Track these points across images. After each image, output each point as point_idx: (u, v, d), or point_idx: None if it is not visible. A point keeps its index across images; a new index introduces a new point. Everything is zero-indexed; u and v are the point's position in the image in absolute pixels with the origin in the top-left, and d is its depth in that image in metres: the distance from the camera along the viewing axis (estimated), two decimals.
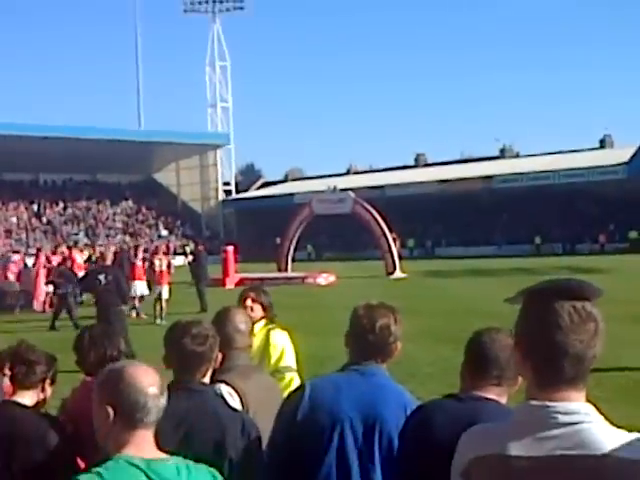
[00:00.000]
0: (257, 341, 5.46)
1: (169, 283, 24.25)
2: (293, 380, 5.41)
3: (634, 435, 2.12)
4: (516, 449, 2.14)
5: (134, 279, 24.00)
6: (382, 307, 3.84)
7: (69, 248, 29.72)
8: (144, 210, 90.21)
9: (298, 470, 3.62)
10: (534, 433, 2.13)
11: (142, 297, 24.28)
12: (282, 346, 5.64)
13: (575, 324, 2.13)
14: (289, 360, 5.64)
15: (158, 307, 23.20)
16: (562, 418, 2.10)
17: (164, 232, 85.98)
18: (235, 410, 3.70)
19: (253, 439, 3.52)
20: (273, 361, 5.53)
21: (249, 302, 5.74)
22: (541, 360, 2.16)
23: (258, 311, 5.72)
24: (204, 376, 3.72)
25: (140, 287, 24.32)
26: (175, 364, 3.71)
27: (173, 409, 3.54)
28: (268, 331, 5.68)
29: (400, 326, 3.79)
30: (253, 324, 5.49)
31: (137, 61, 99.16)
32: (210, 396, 3.64)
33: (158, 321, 22.24)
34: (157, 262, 24.44)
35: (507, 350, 3.00)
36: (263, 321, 5.75)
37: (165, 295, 23.53)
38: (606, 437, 2.07)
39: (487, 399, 3.10)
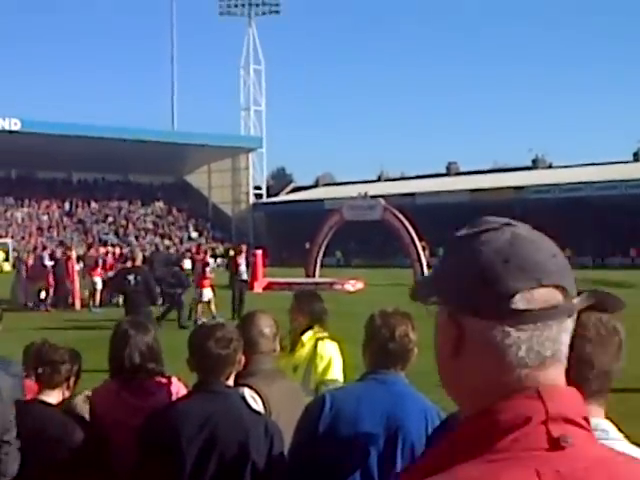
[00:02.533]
0: (305, 351, 5.46)
1: (211, 285, 24.13)
2: None
3: None
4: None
5: (202, 287, 23.74)
6: (398, 314, 3.84)
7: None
8: (175, 212, 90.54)
9: (319, 479, 3.60)
10: None
11: (209, 302, 23.89)
12: (329, 357, 5.50)
13: (602, 337, 2.11)
14: (336, 372, 5.49)
15: (200, 309, 23.28)
16: (597, 434, 2.05)
17: (194, 234, 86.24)
18: (258, 413, 3.70)
19: (276, 443, 3.52)
20: (319, 372, 5.41)
21: (294, 312, 5.70)
22: (567, 373, 2.12)
23: (303, 320, 5.64)
24: (228, 379, 3.73)
25: (207, 293, 23.92)
26: (199, 367, 3.73)
27: (198, 411, 3.57)
28: (317, 341, 5.55)
29: (416, 332, 3.78)
30: (302, 333, 5.50)
31: (172, 62, 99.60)
32: (234, 399, 3.66)
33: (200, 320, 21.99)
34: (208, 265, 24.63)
35: None
36: (313, 330, 5.63)
37: (206, 298, 23.60)
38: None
39: None
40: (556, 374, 1.43)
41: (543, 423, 1.30)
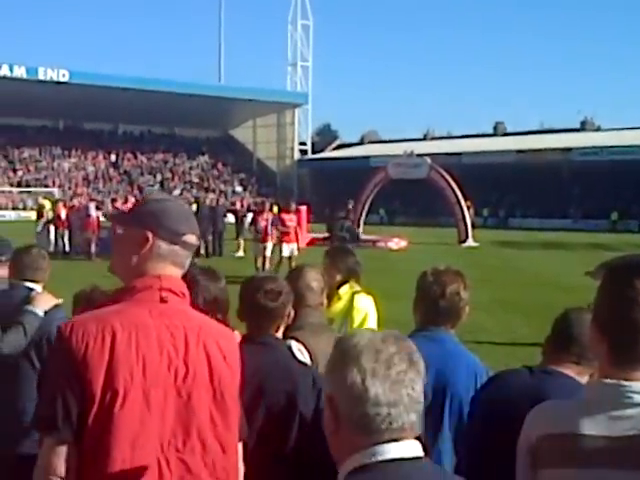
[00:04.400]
0: (341, 304, 5.47)
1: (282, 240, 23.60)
2: None
3: None
4: (589, 428, 2.11)
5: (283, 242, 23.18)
6: (450, 272, 3.85)
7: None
8: (220, 166, 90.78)
9: None
10: (608, 412, 2.09)
11: (290, 257, 22.89)
12: (365, 311, 5.55)
13: None
14: (372, 325, 5.53)
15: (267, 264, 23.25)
16: (637, 398, 2.06)
17: (238, 188, 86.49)
18: (306, 365, 3.72)
19: (323, 394, 3.53)
20: (356, 325, 5.43)
21: (327, 266, 5.69)
22: (617, 337, 2.12)
23: (336, 275, 5.64)
24: (277, 331, 3.75)
25: (289, 248, 23.23)
26: (248, 318, 3.76)
27: (247, 361, 3.60)
28: (353, 295, 5.59)
29: (468, 291, 3.80)
30: (339, 287, 5.52)
31: (220, 16, 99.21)
32: (282, 351, 3.68)
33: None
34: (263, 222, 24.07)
35: None
36: (349, 284, 5.67)
37: (268, 253, 23.46)
38: None
39: (562, 374, 3.07)
40: (173, 270, 2.66)
41: (158, 290, 2.58)
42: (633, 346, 2.10)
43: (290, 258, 22.53)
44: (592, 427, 2.10)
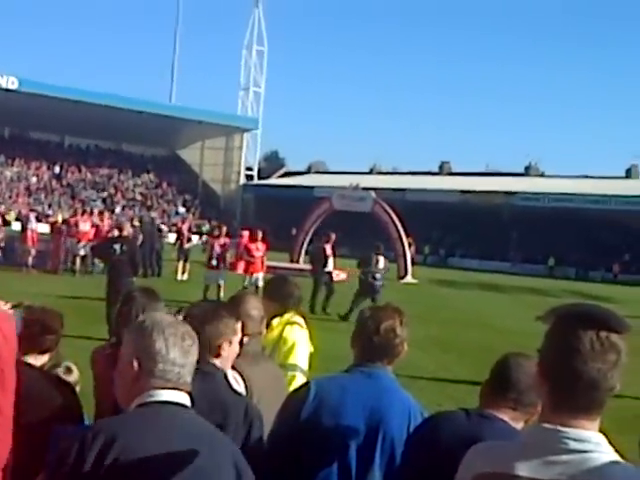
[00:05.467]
0: (273, 334, 5.41)
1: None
2: (295, 378, 5.20)
3: None
4: (523, 470, 2.13)
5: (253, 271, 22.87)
6: (388, 308, 3.85)
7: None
8: (164, 185, 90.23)
9: (297, 468, 3.60)
10: (543, 456, 2.12)
11: (256, 287, 21.72)
12: (293, 342, 5.44)
13: (595, 352, 2.13)
14: (299, 358, 5.43)
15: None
16: (572, 445, 2.09)
17: (182, 209, 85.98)
18: (240, 395, 3.68)
19: (255, 427, 3.48)
20: (281, 356, 5.36)
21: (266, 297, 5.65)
22: (556, 384, 2.16)
23: (273, 306, 5.54)
24: (216, 357, 3.70)
25: (255, 278, 22.71)
26: None
27: None
28: (285, 325, 5.53)
29: (406, 328, 3.78)
30: (274, 317, 5.46)
31: (175, 36, 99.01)
32: (218, 380, 3.62)
33: None
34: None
35: (531, 377, 2.94)
36: (287, 315, 5.61)
37: (222, 281, 22.31)
38: (615, 469, 2.06)
39: (498, 418, 3.08)
40: None
41: None
42: (572, 394, 2.13)
43: (257, 288, 21.37)
44: (526, 469, 2.12)
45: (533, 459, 2.13)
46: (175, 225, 46.90)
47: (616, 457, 2.12)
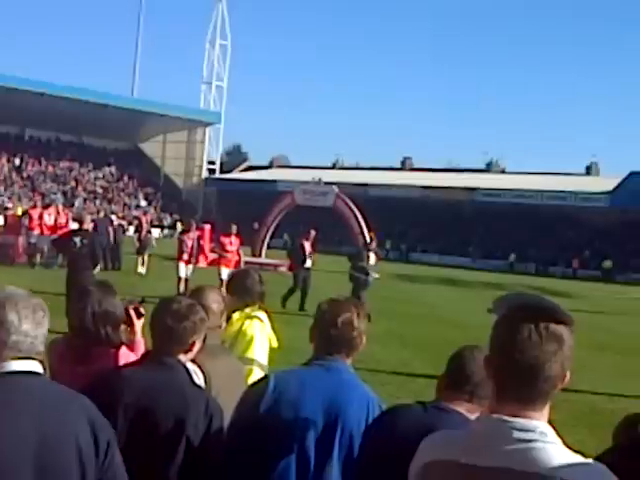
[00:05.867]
0: (233, 328, 5.42)
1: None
2: (252, 372, 5.19)
3: (587, 460, 2.14)
4: (469, 458, 2.18)
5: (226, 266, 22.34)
6: (346, 302, 3.86)
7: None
8: (126, 178, 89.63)
9: (256, 460, 3.61)
10: (489, 445, 2.16)
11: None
12: (251, 336, 5.45)
13: (532, 342, 2.16)
14: (257, 352, 5.45)
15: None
16: (518, 434, 2.13)
17: (143, 202, 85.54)
18: (201, 389, 3.68)
19: (215, 421, 3.50)
20: (240, 350, 5.37)
21: (228, 289, 5.71)
22: (499, 374, 2.21)
23: (235, 298, 5.60)
24: (184, 353, 3.71)
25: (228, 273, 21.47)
26: (153, 337, 3.74)
27: (141, 378, 3.56)
28: (245, 319, 5.54)
29: (364, 321, 3.79)
30: (235, 310, 5.48)
31: (138, 30, 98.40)
32: (179, 373, 3.62)
33: None
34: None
35: None
36: (248, 309, 5.62)
37: (189, 273, 22.17)
38: (558, 459, 2.09)
39: (454, 411, 3.10)
40: None
41: None
42: (513, 383, 2.17)
43: (221, 282, 20.80)
44: (472, 457, 2.16)
45: (479, 448, 2.17)
46: (136, 218, 46.52)
47: (562, 447, 2.15)
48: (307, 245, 23.10)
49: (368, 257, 21.69)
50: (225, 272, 21.73)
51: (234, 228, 23.77)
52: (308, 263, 22.89)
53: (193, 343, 3.72)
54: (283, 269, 36.93)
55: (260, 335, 5.53)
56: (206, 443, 3.44)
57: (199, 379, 3.94)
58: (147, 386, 3.50)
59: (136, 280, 25.63)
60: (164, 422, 3.41)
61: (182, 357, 3.69)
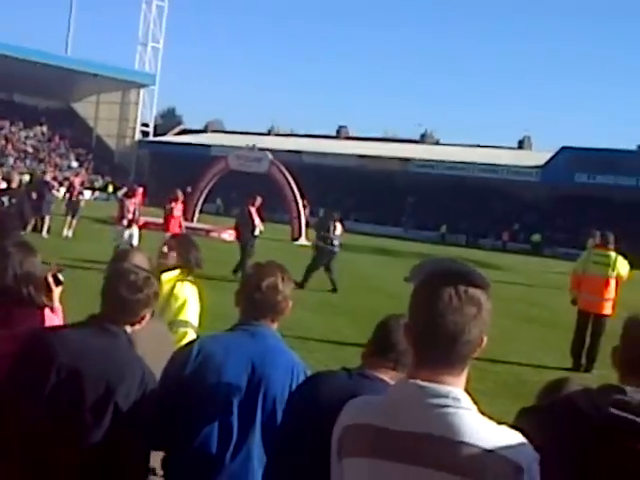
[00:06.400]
0: (164, 290, 5.29)
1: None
2: (187, 335, 5.21)
3: (500, 427, 2.16)
4: (385, 422, 2.19)
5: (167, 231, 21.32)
6: (270, 266, 3.85)
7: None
8: (57, 139, 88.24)
9: (180, 425, 3.61)
10: (404, 410, 2.17)
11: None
12: (184, 299, 5.46)
13: (452, 306, 2.17)
14: (190, 315, 5.46)
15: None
16: (431, 400, 2.14)
17: (74, 164, 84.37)
18: (140, 360, 3.62)
19: (148, 391, 3.48)
20: (172, 312, 5.37)
21: (165, 249, 5.70)
22: (418, 339, 2.21)
23: (172, 259, 5.65)
24: (132, 325, 3.68)
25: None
26: (104, 304, 3.69)
27: (77, 341, 3.53)
28: (176, 282, 5.53)
29: (289, 285, 3.78)
30: (163, 271, 5.43)
31: None
32: (120, 341, 3.58)
33: None
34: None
35: None
36: (177, 271, 5.61)
37: (135, 240, 20.61)
38: (470, 425, 2.11)
39: (378, 378, 3.11)
40: None
41: None
42: (432, 348, 2.18)
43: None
44: (388, 421, 2.18)
45: (395, 413, 2.19)
46: (67, 179, 45.85)
47: (475, 413, 2.16)
48: (254, 212, 22.75)
49: (335, 227, 21.66)
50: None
51: (180, 194, 23.41)
52: (257, 231, 22.63)
53: (144, 316, 3.70)
54: (226, 236, 36.76)
55: (193, 298, 5.55)
56: (135, 412, 3.42)
57: None
58: (85, 349, 3.47)
59: (61, 243, 25.26)
60: (95, 387, 3.38)
61: (128, 328, 3.65)
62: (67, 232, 29.36)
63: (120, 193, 23.44)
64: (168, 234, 21.25)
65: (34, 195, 28.47)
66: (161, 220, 23.78)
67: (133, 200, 22.64)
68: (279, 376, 3.59)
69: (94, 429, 3.35)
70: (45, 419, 3.38)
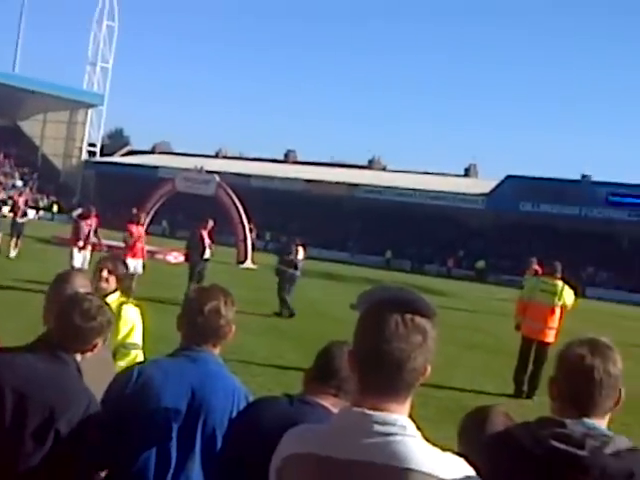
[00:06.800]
0: None
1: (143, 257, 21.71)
2: (137, 357, 5.23)
3: (446, 454, 2.15)
4: (329, 451, 2.17)
5: (133, 256, 20.65)
6: (213, 289, 3.80)
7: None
8: (2, 156, 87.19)
9: (120, 447, 3.54)
10: (349, 438, 2.15)
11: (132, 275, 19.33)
12: (132, 322, 5.49)
13: (399, 333, 2.15)
14: (137, 337, 5.50)
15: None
16: (377, 428, 2.12)
17: (19, 182, 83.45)
18: (87, 391, 3.53)
19: (92, 421, 3.41)
20: (121, 336, 5.36)
21: (105, 273, 5.62)
22: (363, 366, 2.19)
23: (113, 283, 5.61)
24: (82, 353, 3.60)
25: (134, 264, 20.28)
26: (56, 330, 3.60)
27: (23, 364, 3.44)
28: (121, 305, 5.51)
29: (232, 309, 3.73)
30: (106, 296, 5.34)
31: (22, 4, 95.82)
32: (71, 369, 3.51)
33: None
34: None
35: None
36: (117, 294, 5.61)
37: (85, 265, 20.42)
38: (417, 452, 2.09)
39: (320, 405, 3.08)
40: None
41: None
42: (377, 375, 2.17)
43: (132, 276, 19.30)
44: (332, 450, 2.16)
45: (340, 441, 2.16)
46: (11, 198, 45.29)
47: (421, 441, 2.15)
48: (205, 235, 22.51)
49: (297, 251, 21.70)
50: (132, 263, 19.69)
51: (142, 217, 23.23)
52: (207, 254, 22.39)
53: (95, 344, 3.61)
54: (171, 258, 36.54)
55: (138, 320, 5.57)
56: (76, 438, 3.35)
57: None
58: (33, 374, 3.40)
59: (7, 264, 24.93)
60: (39, 412, 3.31)
61: (78, 356, 3.58)
62: (12, 252, 28.88)
63: (75, 214, 22.72)
64: (130, 260, 20.83)
65: None
66: (122, 244, 22.97)
67: (88, 221, 22.09)
68: (219, 402, 3.53)
69: (34, 454, 3.28)
70: None
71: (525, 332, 13.94)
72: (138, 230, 22.05)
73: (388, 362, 2.15)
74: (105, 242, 25.35)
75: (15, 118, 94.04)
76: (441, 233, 71.33)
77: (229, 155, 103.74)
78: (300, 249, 21.86)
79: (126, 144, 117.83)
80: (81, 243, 21.40)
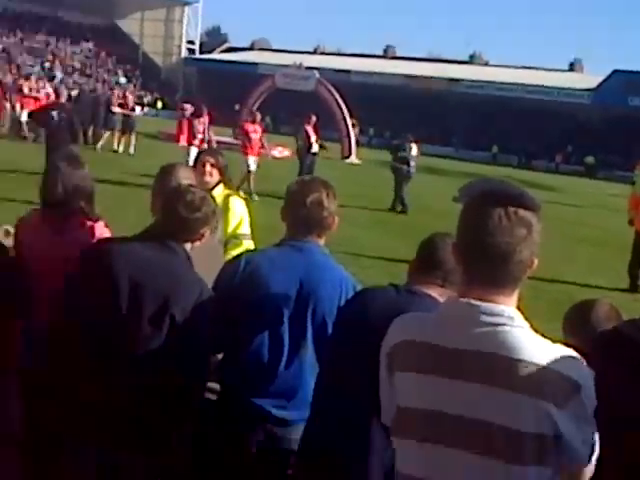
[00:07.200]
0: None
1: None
2: (249, 247, 5.31)
3: (556, 346, 2.18)
4: (438, 339, 2.24)
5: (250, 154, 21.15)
6: (315, 181, 3.83)
7: None
8: (103, 55, 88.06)
9: (232, 338, 3.64)
10: (456, 327, 2.21)
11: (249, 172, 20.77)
12: (241, 213, 5.64)
13: (503, 226, 2.18)
14: (246, 228, 5.64)
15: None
16: (485, 318, 2.17)
17: (122, 80, 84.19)
18: (199, 277, 3.60)
19: (204, 308, 3.47)
20: (231, 228, 5.52)
21: (208, 167, 5.66)
22: (469, 259, 2.24)
23: (216, 176, 5.67)
24: (192, 241, 3.68)
25: (253, 162, 21.20)
26: (163, 222, 3.68)
27: (138, 253, 3.54)
28: (227, 197, 5.63)
29: (334, 201, 3.75)
30: (212, 189, 5.45)
31: None
32: (179, 257, 3.58)
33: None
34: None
35: None
36: (221, 186, 5.69)
37: (191, 160, 19.46)
38: (525, 342, 2.14)
39: (426, 294, 3.09)
40: None
41: None
42: (483, 268, 2.21)
43: (249, 172, 20.72)
44: (440, 339, 2.23)
45: (448, 330, 2.23)
46: (118, 95, 45.76)
47: (529, 331, 2.19)
48: (310, 130, 22.75)
49: (410, 148, 21.68)
50: (252, 160, 21.05)
51: (258, 116, 23.21)
52: (314, 148, 22.70)
53: (203, 234, 3.69)
54: (275, 153, 36.57)
55: (245, 211, 5.74)
56: (191, 326, 3.42)
57: None
58: (147, 263, 3.50)
59: (115, 157, 25.25)
60: (154, 300, 3.41)
61: (187, 245, 3.65)
62: (120, 147, 29.39)
63: (187, 113, 22.79)
64: (251, 157, 21.06)
65: (92, 109, 28.66)
66: (236, 141, 23.10)
67: (202, 119, 22.28)
68: (327, 291, 3.58)
69: (152, 338, 3.39)
70: (106, 324, 3.42)
71: (639, 227, 13.60)
72: (255, 128, 22.14)
73: (493, 255, 2.18)
74: (216, 138, 25.46)
75: (112, 16, 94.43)
76: (547, 128, 69.74)
77: (327, 51, 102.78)
78: (414, 146, 21.80)
79: (224, 41, 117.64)
80: (197, 141, 21.59)
